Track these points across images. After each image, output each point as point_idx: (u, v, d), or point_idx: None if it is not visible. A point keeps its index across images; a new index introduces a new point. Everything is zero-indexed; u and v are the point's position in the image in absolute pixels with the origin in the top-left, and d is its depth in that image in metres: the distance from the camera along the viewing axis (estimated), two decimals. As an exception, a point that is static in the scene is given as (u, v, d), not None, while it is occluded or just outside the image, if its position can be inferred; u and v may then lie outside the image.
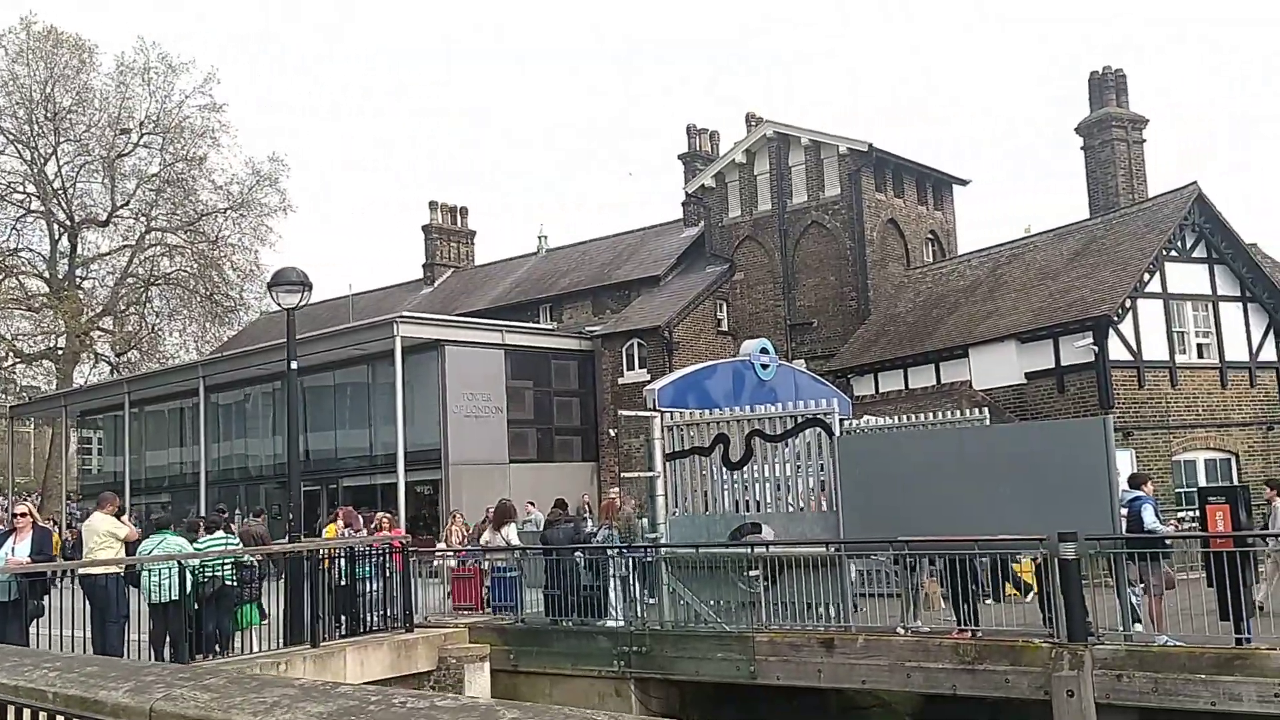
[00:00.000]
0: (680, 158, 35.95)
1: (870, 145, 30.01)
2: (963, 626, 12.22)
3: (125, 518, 13.76)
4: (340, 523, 17.24)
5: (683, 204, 35.80)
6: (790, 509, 13.96)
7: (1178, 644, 10.98)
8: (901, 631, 12.38)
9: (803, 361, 29.40)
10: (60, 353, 44.49)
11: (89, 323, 44.69)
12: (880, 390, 26.59)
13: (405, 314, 28.26)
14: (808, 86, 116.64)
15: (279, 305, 13.54)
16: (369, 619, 13.95)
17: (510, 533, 16.17)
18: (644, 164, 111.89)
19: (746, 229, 32.43)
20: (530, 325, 32.74)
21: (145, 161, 45.44)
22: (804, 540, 13.51)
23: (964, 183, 33.74)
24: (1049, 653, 11.24)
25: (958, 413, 18.10)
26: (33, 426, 54.84)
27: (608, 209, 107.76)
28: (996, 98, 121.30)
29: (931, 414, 18.41)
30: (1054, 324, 22.87)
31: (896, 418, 18.53)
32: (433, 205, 44.46)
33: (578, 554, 14.87)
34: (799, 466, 13.90)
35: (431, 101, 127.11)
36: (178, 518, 16.63)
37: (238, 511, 28.59)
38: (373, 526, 18.02)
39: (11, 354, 44.98)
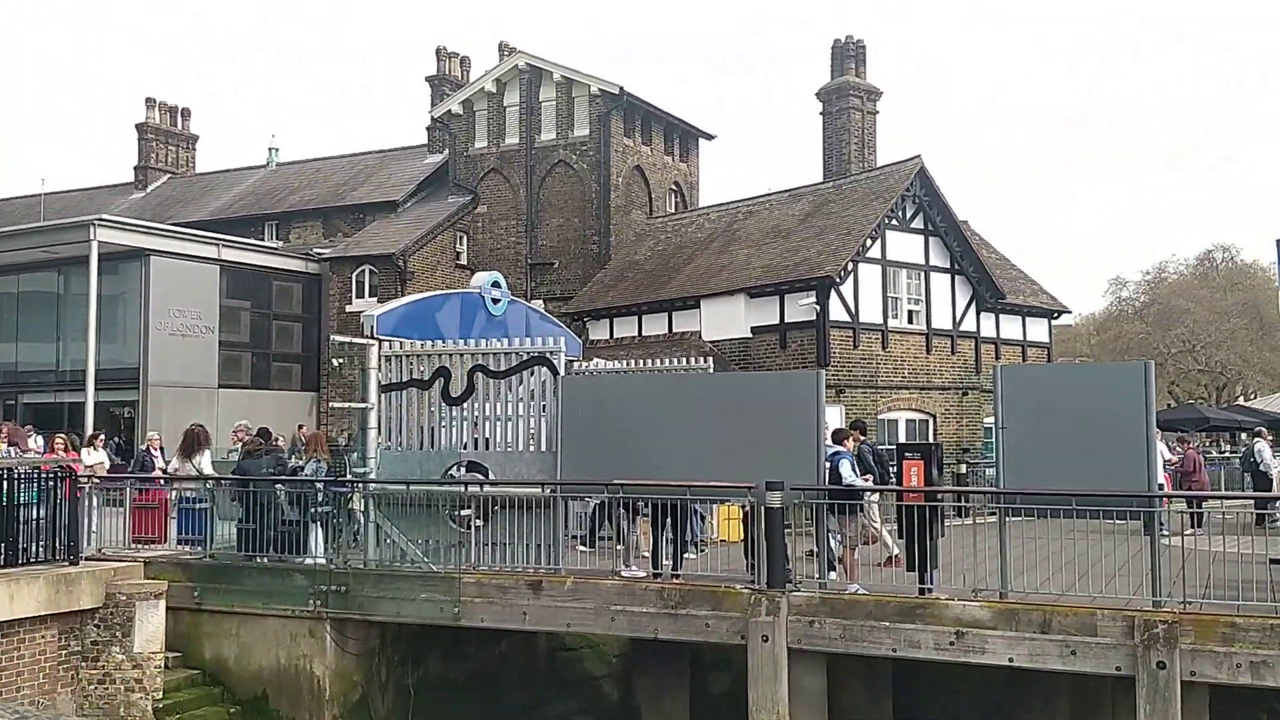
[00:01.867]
0: (428, 80, 34.49)
1: (621, 89, 29.82)
2: (673, 572, 12.26)
3: None
4: (6, 442, 15.33)
5: (427, 129, 34.43)
6: (509, 448, 13.53)
7: (866, 593, 11.40)
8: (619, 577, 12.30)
9: (541, 302, 29.05)
10: None
11: None
12: (615, 336, 26.66)
13: (104, 217, 25.61)
14: (558, 25, 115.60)
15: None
16: (31, 549, 12.43)
17: (203, 461, 14.89)
18: (389, 84, 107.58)
19: (492, 161, 31.57)
20: (251, 241, 30.55)
21: None
22: (520, 480, 13.13)
23: (710, 137, 34.27)
24: (749, 599, 11.42)
25: (684, 361, 18.23)
26: None
27: (347, 130, 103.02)
28: (745, 55, 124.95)
29: (660, 361, 18.48)
30: (781, 281, 23.57)
31: (627, 363, 18.48)
32: (150, 102, 40.67)
33: (278, 487, 13.85)
34: (521, 405, 13.47)
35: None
36: None
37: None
38: (39, 446, 16.23)
39: None
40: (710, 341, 24.47)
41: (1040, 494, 10.90)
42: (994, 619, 10.44)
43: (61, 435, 16.69)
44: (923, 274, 24.75)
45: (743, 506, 12.60)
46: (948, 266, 25.12)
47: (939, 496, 11.90)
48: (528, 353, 13.35)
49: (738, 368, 23.62)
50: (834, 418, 18.75)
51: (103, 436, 18.89)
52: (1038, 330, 28.00)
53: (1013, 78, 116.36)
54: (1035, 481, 10.91)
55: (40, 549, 12.36)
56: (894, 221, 24.25)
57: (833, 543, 12.05)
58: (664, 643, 12.35)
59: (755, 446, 11.99)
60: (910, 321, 24.59)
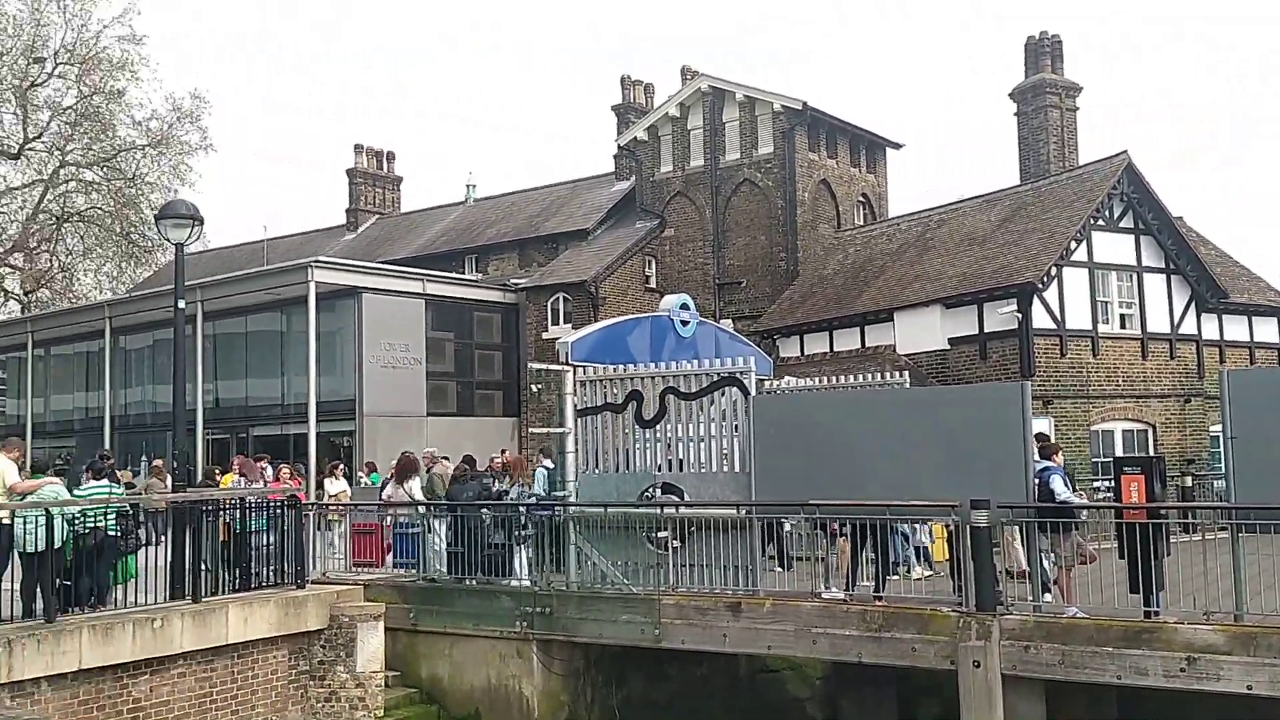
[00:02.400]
0: (614, 109, 35.19)
1: (805, 104, 29.57)
2: (875, 594, 11.98)
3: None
4: (236, 472, 16.49)
5: (614, 157, 35.10)
6: (702, 469, 13.55)
7: (1086, 616, 10.80)
8: (829, 594, 12.11)
9: (730, 321, 29.05)
10: (-35, 289, 42.63)
11: (-3, 259, 42.85)
12: (805, 352, 26.34)
13: (320, 259, 27.29)
14: (742, 42, 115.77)
15: (167, 239, 12.71)
16: (264, 574, 13.32)
17: (414, 487, 15.58)
18: (577, 114, 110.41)
19: (678, 185, 31.88)
20: (452, 275, 31.94)
21: (60, 93, 43.41)
22: (714, 502, 13.13)
23: (897, 146, 33.49)
24: (956, 622, 11.01)
25: (879, 376, 17.82)
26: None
27: (538, 162, 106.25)
28: (936, 64, 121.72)
29: (853, 377, 18.14)
30: (979, 290, 22.74)
31: (819, 380, 18.22)
32: (358, 149, 43.15)
33: (484, 511, 14.34)
34: (713, 425, 13.48)
35: (362, 41, 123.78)
36: (54, 463, 15.73)
37: (143, 459, 27.52)
38: (269, 476, 17.35)
39: (-89, 288, 43.02)
40: (905, 355, 23.83)
41: (1277, 508, 10.07)
42: (1229, 643, 9.69)
43: (287, 465, 17.82)
44: (1134, 275, 23.36)
45: (946, 526, 12.18)
46: (1162, 266, 23.63)
47: (1163, 513, 11.16)
48: (718, 373, 13.36)
49: (935, 381, 22.90)
50: (1041, 431, 17.89)
51: (342, 466, 20.03)
52: (1266, 330, 25.94)
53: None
54: (1270, 494, 10.08)
55: (270, 573, 13.23)
56: (1100, 222, 23.01)
57: (1046, 563, 11.49)
58: (869, 666, 12.05)
59: (958, 463, 11.57)
60: (1123, 326, 23.24)
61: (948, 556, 12.51)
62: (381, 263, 32.99)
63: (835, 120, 30.94)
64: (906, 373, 18.67)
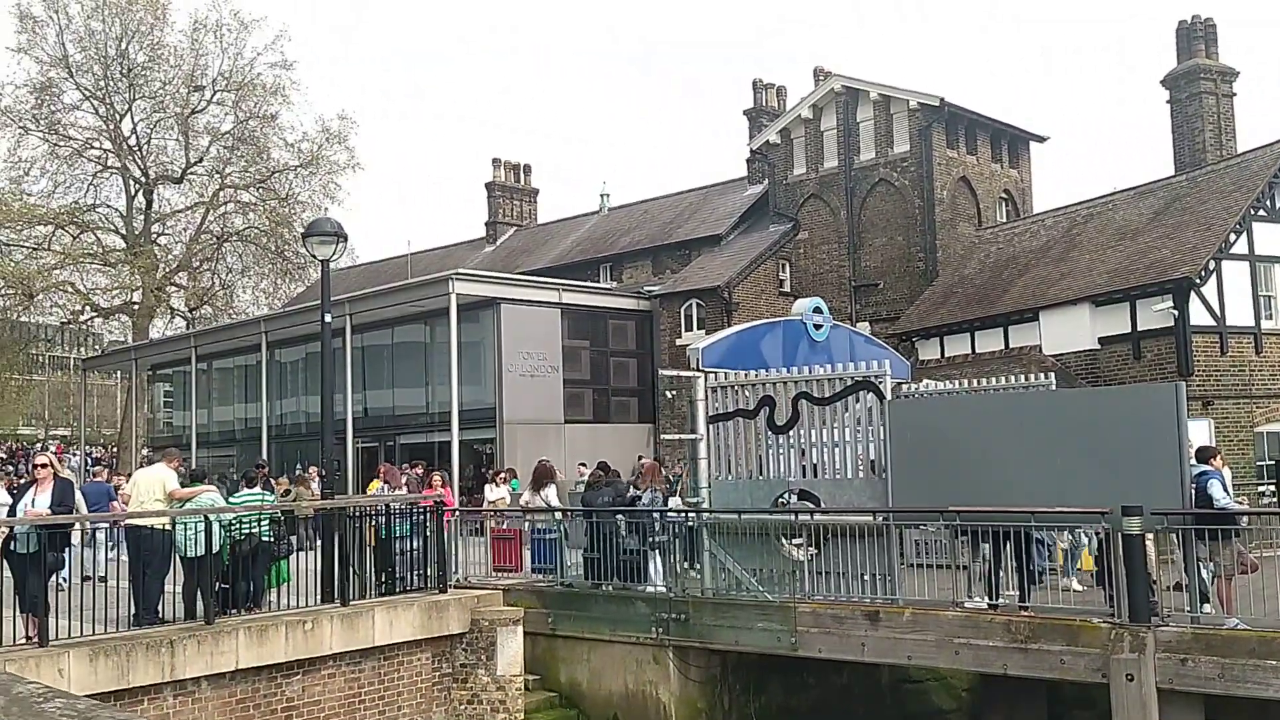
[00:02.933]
0: (745, 113, 35.07)
1: (942, 100, 28.87)
2: (1020, 604, 11.58)
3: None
4: (381, 480, 17.05)
5: (747, 161, 34.97)
6: (838, 475, 13.35)
7: (1248, 628, 10.21)
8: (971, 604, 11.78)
9: (867, 324, 28.59)
10: (136, 307, 45.25)
11: (164, 278, 45.37)
12: (946, 354, 25.67)
13: (460, 271, 27.99)
14: (878, 41, 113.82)
15: (313, 256, 13.25)
16: (408, 578, 13.72)
17: (551, 494, 15.83)
18: (709, 121, 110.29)
19: (812, 187, 31.54)
20: (588, 284, 32.34)
21: (218, 119, 45.79)
22: (850, 508, 12.91)
23: (1041, 139, 32.38)
24: (1108, 634, 10.56)
25: (1023, 378, 17.24)
26: (118, 380, 56.06)
27: (671, 167, 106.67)
28: (1080, 50, 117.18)
29: (996, 379, 17.60)
30: (1131, 286, 21.75)
31: (960, 382, 17.75)
32: (495, 162, 44.17)
33: (618, 517, 14.46)
34: (848, 430, 13.26)
35: (498, 56, 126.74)
36: (215, 471, 16.55)
37: (298, 467, 28.71)
38: (420, 481, 17.86)
39: (89, 308, 45.91)
40: (1052, 355, 22.97)
41: None
42: None
43: (438, 472, 18.31)
44: (1300, 268, 21.99)
45: (1097, 533, 11.69)
46: (1331, 256, 22.18)
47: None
48: (851, 378, 13.14)
49: (1086, 382, 22.00)
50: (1200, 433, 16.99)
51: (504, 474, 20.48)
52: None
53: None
54: None
55: (414, 578, 13.62)
56: (1261, 212, 21.73)
57: (1204, 573, 10.90)
58: (1016, 678, 11.65)
59: (1108, 468, 11.10)
60: (1289, 322, 21.89)
61: (1094, 567, 12.00)
62: (519, 274, 33.66)
63: (974, 115, 30.11)
64: (1053, 374, 18.02)
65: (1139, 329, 21.77)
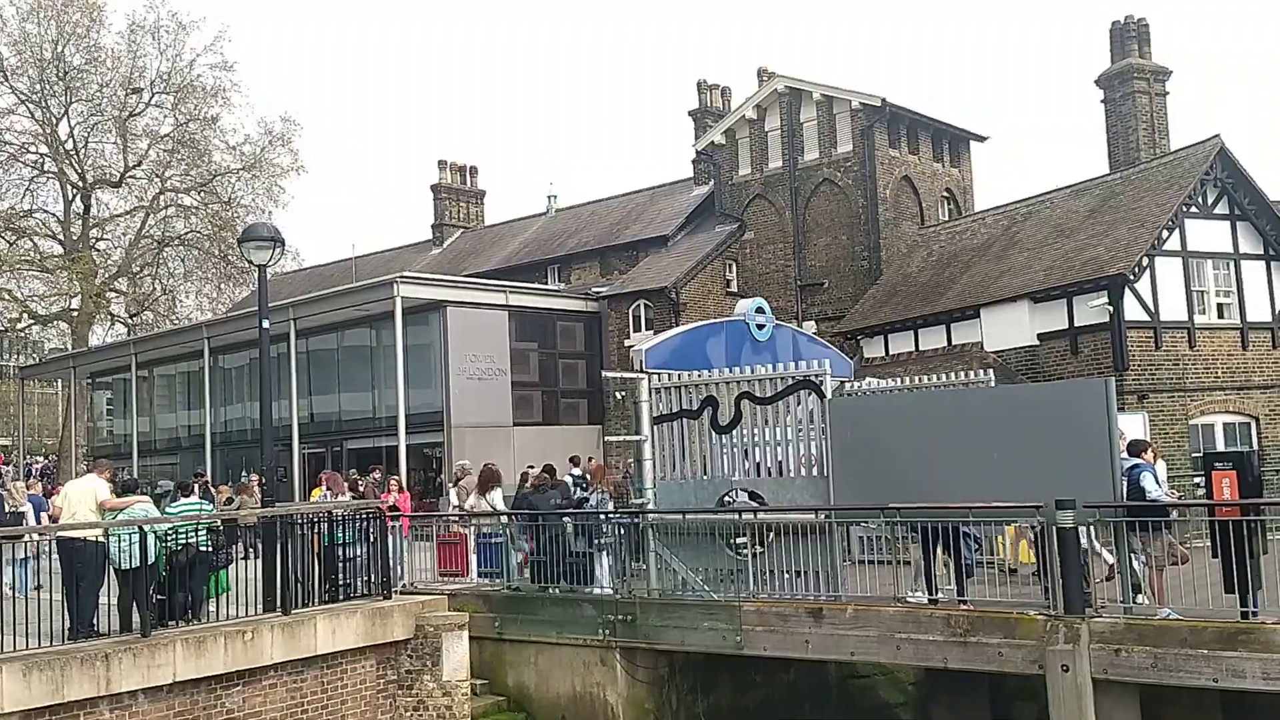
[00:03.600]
0: (690, 114, 35.17)
1: (884, 100, 29.18)
2: (959, 598, 11.76)
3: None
4: (324, 487, 16.90)
5: (692, 162, 35.09)
6: (780, 474, 13.46)
7: (1179, 618, 10.44)
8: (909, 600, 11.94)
9: (813, 323, 28.82)
10: (75, 314, 44.42)
11: (103, 284, 44.56)
12: (890, 352, 25.96)
13: (406, 274, 27.78)
14: (820, 42, 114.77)
15: (250, 262, 13.10)
16: (353, 585, 13.61)
17: (496, 497, 15.78)
18: (654, 122, 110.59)
19: (757, 187, 31.73)
20: (534, 286, 32.26)
21: (157, 121, 45.05)
22: (793, 506, 13.03)
23: (981, 139, 32.85)
24: (1044, 625, 10.76)
25: (964, 375, 17.49)
26: (59, 388, 54.87)
27: (618, 169, 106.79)
28: (1017, 51, 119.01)
29: (938, 376, 17.84)
30: (1067, 283, 22.14)
31: (904, 380, 17.97)
32: (441, 164, 43.91)
33: (565, 519, 14.47)
34: (790, 430, 13.38)
35: (440, 58, 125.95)
36: (159, 479, 16.30)
37: (243, 474, 28.33)
38: (379, 486, 17.70)
39: (25, 315, 45.00)
40: (993, 352, 23.32)
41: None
42: (1333, 646, 9.27)
43: (396, 478, 18.15)
44: (1232, 263, 22.49)
45: (1031, 527, 11.90)
46: (1261, 253, 22.71)
47: (1262, 510, 10.73)
48: (793, 377, 13.26)
49: (1026, 378, 22.36)
50: (1135, 426, 17.35)
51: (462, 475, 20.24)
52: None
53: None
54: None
55: (360, 584, 13.51)
56: (1193, 209, 22.22)
57: (1136, 564, 11.14)
58: (959, 670, 11.82)
59: (1042, 462, 11.30)
60: (1221, 316, 22.39)
61: (1032, 559, 12.21)
62: (466, 276, 33.48)
63: (916, 115, 30.47)
64: (991, 370, 18.31)
65: (1076, 325, 22.16)
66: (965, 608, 11.52)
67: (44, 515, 15.17)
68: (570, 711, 13.93)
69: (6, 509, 14.78)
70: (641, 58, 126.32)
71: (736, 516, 13.28)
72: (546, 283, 34.32)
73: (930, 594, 11.97)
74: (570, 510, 14.84)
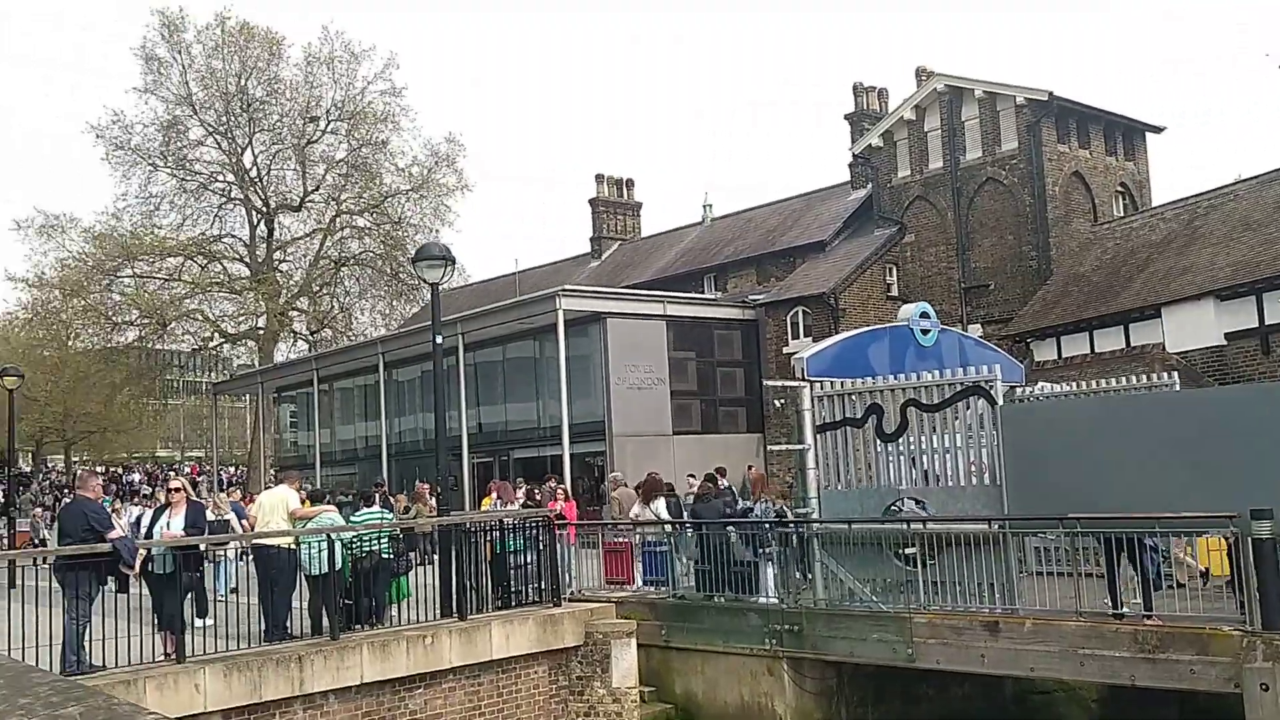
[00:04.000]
0: (847, 118, 34.72)
1: (1050, 94, 28.14)
2: (1145, 612, 11.23)
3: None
4: (494, 495, 17.40)
5: (850, 165, 34.61)
6: (950, 483, 13.14)
7: (1395, 637, 9.70)
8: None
9: (979, 327, 28.02)
10: (261, 332, 47.08)
11: (286, 303, 47.09)
12: (1063, 355, 24.96)
13: (567, 287, 28.37)
14: (982, 38, 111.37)
15: (423, 280, 13.65)
16: (523, 592, 13.98)
17: (660, 506, 15.93)
18: (808, 128, 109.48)
19: (917, 189, 31.06)
20: (692, 295, 32.41)
21: (333, 147, 47.33)
22: (964, 516, 12.69)
23: (1158, 130, 31.26)
24: (1240, 642, 10.16)
25: (1145, 378, 16.69)
26: (248, 402, 58.25)
27: (774, 176, 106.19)
28: (1196, 35, 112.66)
29: (1116, 379, 17.08)
30: (1257, 279, 20.84)
31: (1079, 384, 17.27)
32: (599, 178, 44.64)
33: (729, 528, 14.49)
34: (959, 437, 13.05)
35: (598, 73, 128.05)
36: (337, 490, 17.12)
37: (417, 483, 29.40)
38: (545, 496, 18.12)
39: (217, 334, 47.94)
40: (1176, 353, 22.15)
41: None
42: None
43: (562, 487, 18.57)
44: None
45: (1226, 538, 11.25)
46: None
47: None
48: (961, 383, 12.93)
49: (1212, 380, 21.16)
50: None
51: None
52: None
53: None
54: None
55: (530, 591, 13.88)
56: (1400, 194, 20.64)
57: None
58: (1145, 689, 11.29)
59: (1233, 469, 10.69)
60: None
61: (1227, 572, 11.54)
62: (624, 287, 33.93)
63: (1086, 108, 29.28)
64: (1176, 373, 17.40)
65: (1267, 323, 20.86)
66: (1153, 622, 10.99)
67: (244, 523, 16.18)
68: (738, 720, 13.92)
69: (211, 517, 15.80)
70: (798, 63, 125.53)
71: (905, 526, 13.03)
72: (703, 292, 34.44)
73: (1115, 608, 11.46)
74: (734, 519, 14.84)
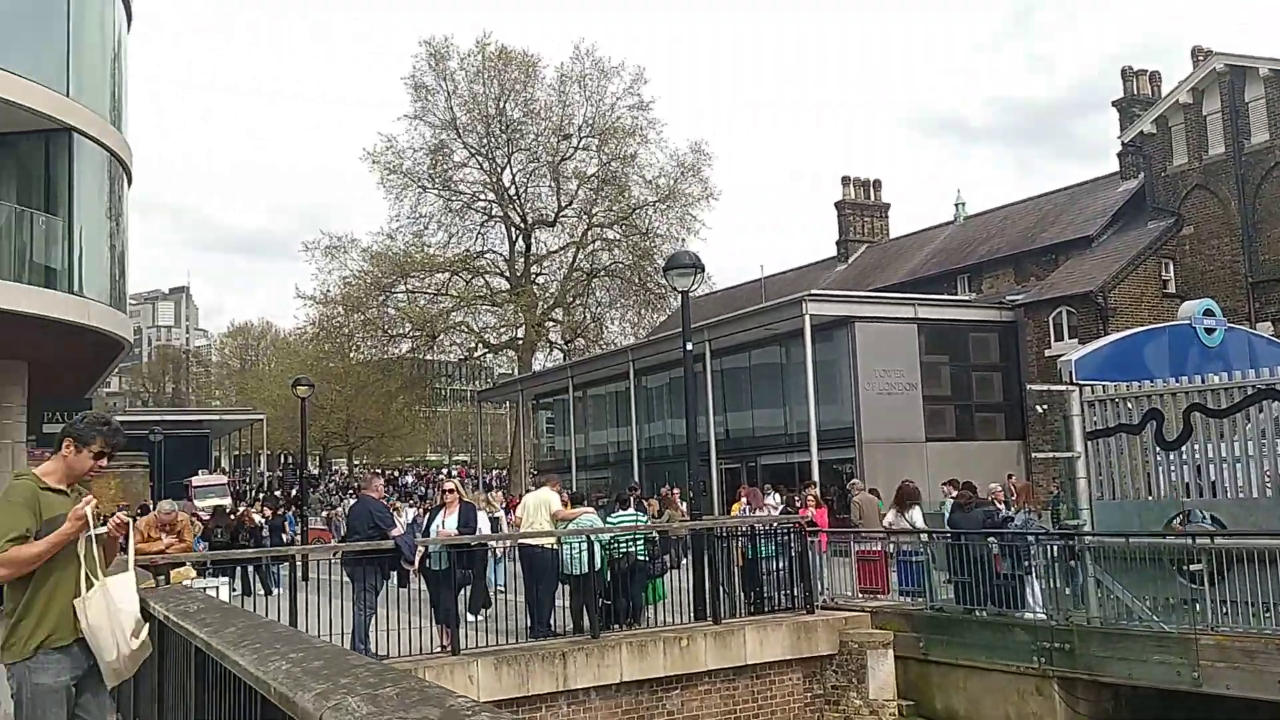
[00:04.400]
0: (1115, 104, 32.60)
1: (1351, 65, 25.41)
2: None
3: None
4: (743, 501, 17.45)
5: (1118, 155, 32.49)
6: (1241, 494, 12.07)
7: None
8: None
9: (1269, 324, 25.61)
10: (520, 342, 49.42)
11: (542, 314, 49.23)
12: (1373, 354, 22.38)
13: (813, 292, 28.12)
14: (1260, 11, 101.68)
15: (674, 288, 13.89)
16: (775, 598, 13.97)
17: (916, 515, 15.48)
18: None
19: (1195, 177, 28.77)
20: (944, 297, 31.37)
21: (584, 163, 49.08)
22: (1258, 531, 11.62)
23: None
24: None
25: None
26: (508, 409, 61.31)
27: (1031, 174, 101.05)
28: None
29: None
30: None
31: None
32: (845, 180, 44.00)
33: (990, 540, 13.90)
34: (1250, 445, 11.96)
35: (839, 78, 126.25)
36: (591, 494, 17.66)
37: (665, 487, 29.94)
38: (797, 504, 18.03)
39: (481, 345, 50.69)
40: None
41: None
42: None
43: (814, 493, 18.46)
44: None
45: None
46: None
47: None
48: (1252, 385, 11.85)
49: None
50: None
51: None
52: None
53: None
54: None
55: (782, 597, 13.83)
56: None
57: None
58: None
59: None
60: None
61: None
62: (872, 290, 33.27)
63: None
64: None
65: None
66: None
67: (509, 519, 17.03)
68: (1004, 741, 13.31)
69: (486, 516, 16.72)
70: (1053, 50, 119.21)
71: (1189, 541, 12.07)
72: (956, 293, 33.26)
73: None
74: (996, 530, 14.22)
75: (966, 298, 32.34)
